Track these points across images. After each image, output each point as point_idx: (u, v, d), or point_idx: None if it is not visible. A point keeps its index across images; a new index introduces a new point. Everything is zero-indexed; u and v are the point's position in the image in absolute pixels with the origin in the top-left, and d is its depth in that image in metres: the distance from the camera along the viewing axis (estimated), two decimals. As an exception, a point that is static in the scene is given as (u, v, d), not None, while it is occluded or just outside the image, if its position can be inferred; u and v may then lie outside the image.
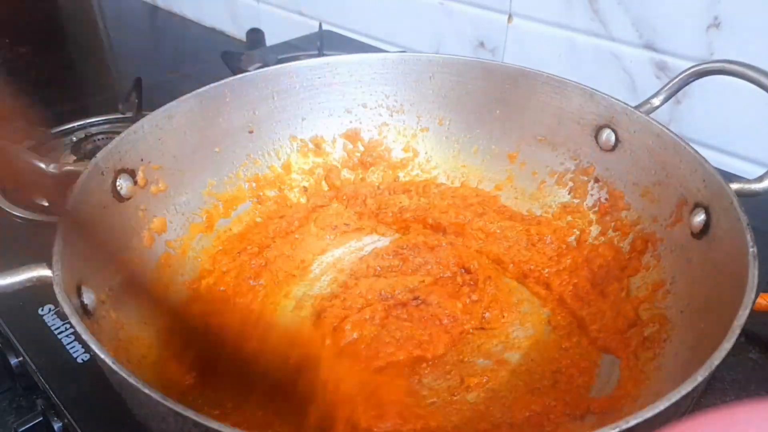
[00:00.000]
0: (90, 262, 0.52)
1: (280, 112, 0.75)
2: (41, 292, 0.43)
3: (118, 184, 0.59)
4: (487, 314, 0.61)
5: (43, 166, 0.56)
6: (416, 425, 0.50)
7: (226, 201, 0.72)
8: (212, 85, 0.69)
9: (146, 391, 0.36)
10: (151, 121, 0.63)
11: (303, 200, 0.76)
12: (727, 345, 0.39)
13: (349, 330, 0.58)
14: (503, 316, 0.62)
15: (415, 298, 0.62)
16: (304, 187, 0.78)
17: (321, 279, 0.68)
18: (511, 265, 0.68)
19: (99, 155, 0.57)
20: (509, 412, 0.52)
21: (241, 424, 0.49)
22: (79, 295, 0.48)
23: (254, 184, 0.75)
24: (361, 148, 0.80)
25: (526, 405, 0.53)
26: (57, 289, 0.43)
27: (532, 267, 0.67)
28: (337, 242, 0.73)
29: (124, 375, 0.37)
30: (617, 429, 0.33)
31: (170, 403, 0.35)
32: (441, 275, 0.66)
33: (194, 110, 0.68)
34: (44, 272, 0.44)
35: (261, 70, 0.73)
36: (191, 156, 0.68)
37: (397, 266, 0.67)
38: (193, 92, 0.67)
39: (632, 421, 0.34)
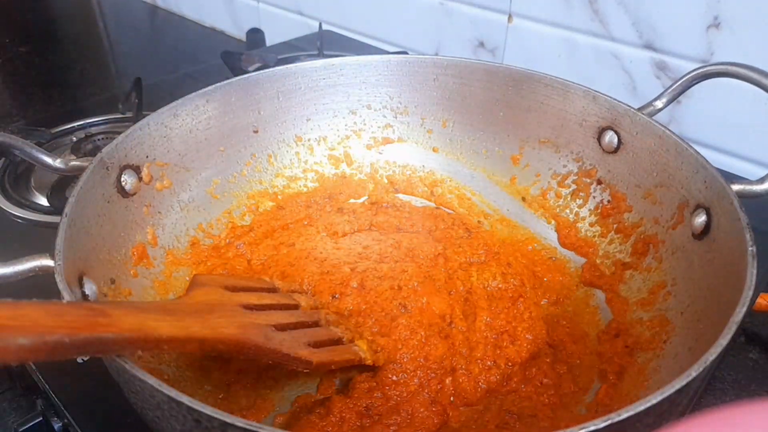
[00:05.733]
0: (93, 254, 0.52)
1: (285, 112, 0.75)
2: (41, 291, 0.43)
3: (122, 179, 0.59)
4: (487, 318, 0.61)
5: (49, 161, 0.56)
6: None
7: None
8: (218, 84, 0.69)
9: (140, 376, 0.36)
10: (156, 118, 0.64)
11: (305, 200, 0.77)
12: (723, 341, 0.39)
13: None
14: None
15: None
16: (308, 186, 0.78)
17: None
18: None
19: (104, 150, 0.57)
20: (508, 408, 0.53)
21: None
22: (81, 285, 0.48)
23: (258, 185, 0.75)
24: (366, 150, 0.80)
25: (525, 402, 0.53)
26: (58, 278, 0.43)
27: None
28: (338, 242, 0.73)
29: (119, 361, 0.37)
30: (609, 421, 0.33)
31: (164, 389, 0.35)
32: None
33: (200, 109, 0.68)
34: (47, 262, 0.45)
35: (266, 70, 0.73)
36: (196, 154, 0.69)
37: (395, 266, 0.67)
38: (200, 91, 0.68)
39: (624, 414, 0.34)
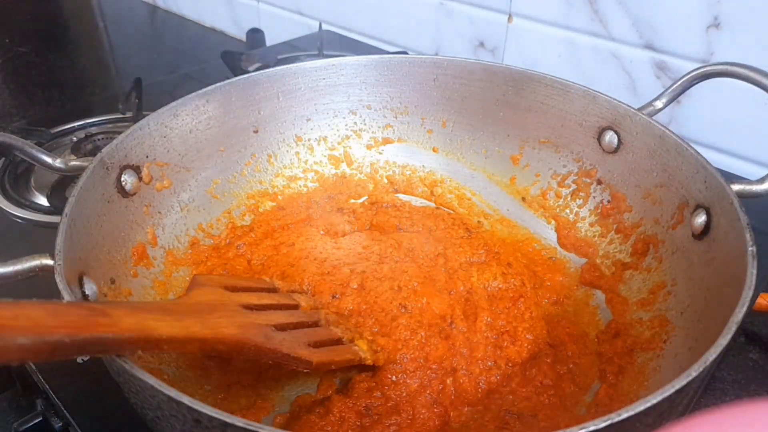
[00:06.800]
0: (93, 254, 0.52)
1: (285, 112, 0.75)
2: (41, 291, 0.43)
3: (122, 179, 0.59)
4: (488, 318, 0.61)
5: (49, 160, 0.56)
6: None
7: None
8: (218, 84, 0.69)
9: (140, 376, 0.36)
10: (156, 118, 0.64)
11: (305, 200, 0.77)
12: (723, 341, 0.39)
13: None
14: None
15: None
16: (308, 186, 0.78)
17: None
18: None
19: (104, 150, 0.57)
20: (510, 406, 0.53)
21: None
22: (81, 285, 0.48)
23: (258, 185, 0.75)
24: (366, 150, 0.80)
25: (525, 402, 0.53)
26: (58, 278, 0.43)
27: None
28: (338, 242, 0.73)
29: (119, 361, 0.37)
30: (609, 421, 0.33)
31: (164, 389, 0.35)
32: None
33: (200, 109, 0.68)
34: (47, 262, 0.45)
35: (267, 70, 0.73)
36: (196, 154, 0.69)
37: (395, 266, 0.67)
38: (200, 91, 0.68)
39: (624, 414, 0.34)
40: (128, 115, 1.02)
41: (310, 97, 0.76)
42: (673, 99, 0.64)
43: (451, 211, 0.77)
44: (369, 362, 0.54)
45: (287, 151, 0.77)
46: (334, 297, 0.61)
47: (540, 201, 0.74)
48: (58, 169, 0.57)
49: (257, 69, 0.86)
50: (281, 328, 0.50)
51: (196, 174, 0.69)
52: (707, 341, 0.40)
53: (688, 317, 0.54)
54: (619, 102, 0.66)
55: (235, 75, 0.74)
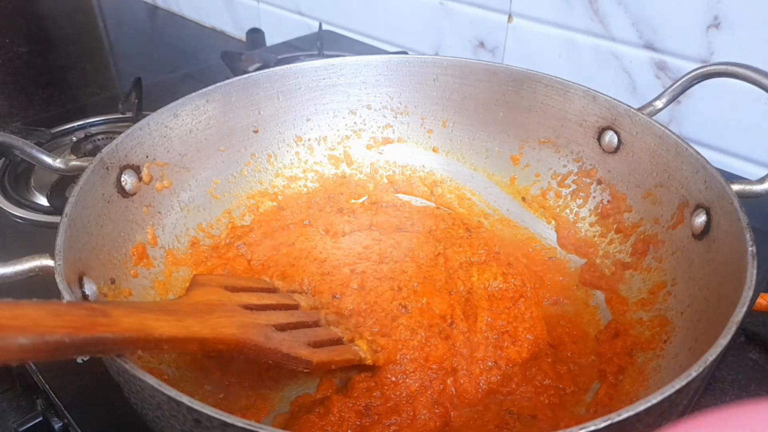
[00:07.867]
0: (93, 254, 0.52)
1: (285, 112, 0.76)
2: (41, 291, 0.43)
3: (122, 179, 0.59)
4: (488, 318, 0.61)
5: (49, 160, 0.57)
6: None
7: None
8: (218, 84, 0.69)
9: (140, 376, 0.36)
10: (156, 118, 0.64)
11: (305, 200, 0.77)
12: (723, 341, 0.39)
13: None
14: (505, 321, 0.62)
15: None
16: (309, 187, 0.78)
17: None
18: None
19: (104, 150, 0.57)
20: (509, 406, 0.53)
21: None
22: (81, 285, 0.48)
23: (258, 185, 0.75)
24: (366, 150, 0.80)
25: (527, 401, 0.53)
26: (58, 279, 0.44)
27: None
28: (338, 242, 0.73)
29: (119, 361, 0.37)
30: (609, 421, 0.33)
31: (164, 389, 0.35)
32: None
33: (200, 109, 0.68)
34: (47, 262, 0.45)
35: (267, 70, 0.73)
36: (196, 154, 0.69)
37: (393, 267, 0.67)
38: (200, 91, 0.68)
39: (624, 414, 0.34)
40: (128, 115, 1.02)
41: (310, 97, 0.76)
42: (673, 99, 0.64)
43: (451, 211, 0.77)
44: (369, 362, 0.54)
45: (287, 151, 0.77)
46: (334, 297, 0.61)
47: (540, 201, 0.74)
48: (58, 169, 0.57)
49: (257, 69, 0.86)
50: (281, 328, 0.50)
51: (196, 174, 0.69)
52: (707, 341, 0.40)
53: (688, 317, 0.54)
54: (619, 102, 0.66)
55: (235, 75, 0.74)
